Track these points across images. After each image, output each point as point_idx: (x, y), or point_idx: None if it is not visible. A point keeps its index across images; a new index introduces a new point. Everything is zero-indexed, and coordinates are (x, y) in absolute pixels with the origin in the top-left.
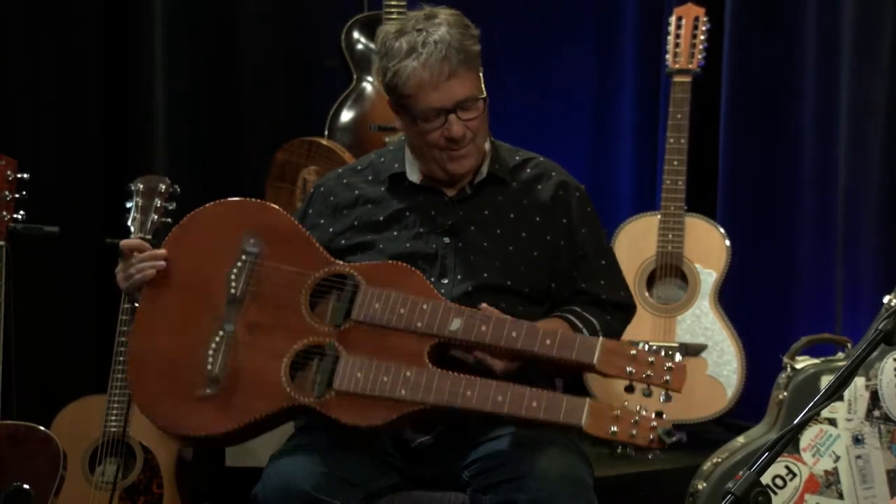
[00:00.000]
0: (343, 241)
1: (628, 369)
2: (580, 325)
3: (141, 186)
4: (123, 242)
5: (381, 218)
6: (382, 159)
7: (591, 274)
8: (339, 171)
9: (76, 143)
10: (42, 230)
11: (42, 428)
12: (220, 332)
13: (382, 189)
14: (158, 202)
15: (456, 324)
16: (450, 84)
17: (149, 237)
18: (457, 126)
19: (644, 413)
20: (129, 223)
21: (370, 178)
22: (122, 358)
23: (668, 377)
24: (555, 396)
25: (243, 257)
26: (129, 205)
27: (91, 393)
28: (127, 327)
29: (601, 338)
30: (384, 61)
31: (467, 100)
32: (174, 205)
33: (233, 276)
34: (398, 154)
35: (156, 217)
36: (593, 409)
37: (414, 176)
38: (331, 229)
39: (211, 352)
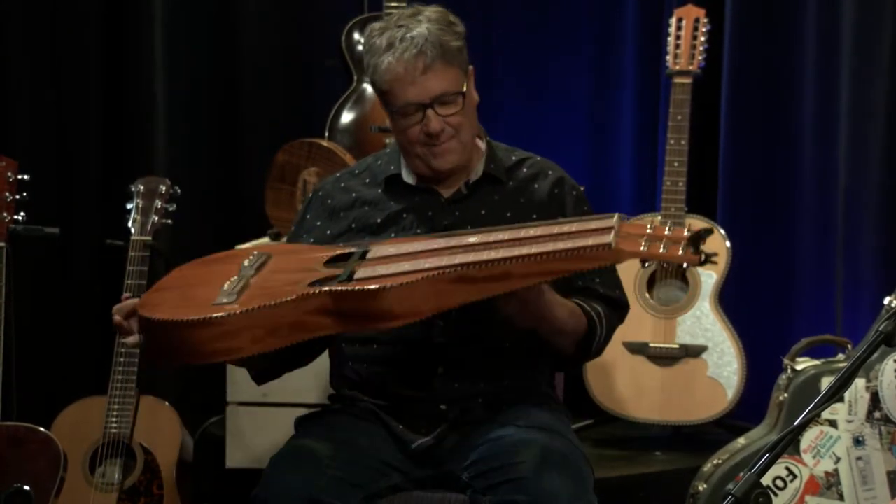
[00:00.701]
0: (340, 244)
1: (642, 248)
2: (588, 309)
3: (141, 188)
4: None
5: (379, 220)
6: (379, 162)
7: (587, 272)
8: (338, 175)
9: (76, 144)
10: (42, 231)
11: (42, 429)
12: (235, 276)
13: (379, 191)
14: (159, 203)
15: (473, 238)
16: (426, 79)
17: (149, 238)
18: (434, 121)
19: (676, 229)
20: (130, 224)
21: (367, 180)
22: (122, 359)
23: (682, 251)
24: (581, 221)
25: (245, 264)
26: (129, 206)
27: (91, 394)
28: None
29: (615, 218)
30: (367, 57)
31: (444, 94)
32: (174, 206)
33: (245, 263)
34: (394, 156)
35: (156, 218)
36: (622, 228)
37: (409, 177)
38: (328, 231)
39: (227, 282)
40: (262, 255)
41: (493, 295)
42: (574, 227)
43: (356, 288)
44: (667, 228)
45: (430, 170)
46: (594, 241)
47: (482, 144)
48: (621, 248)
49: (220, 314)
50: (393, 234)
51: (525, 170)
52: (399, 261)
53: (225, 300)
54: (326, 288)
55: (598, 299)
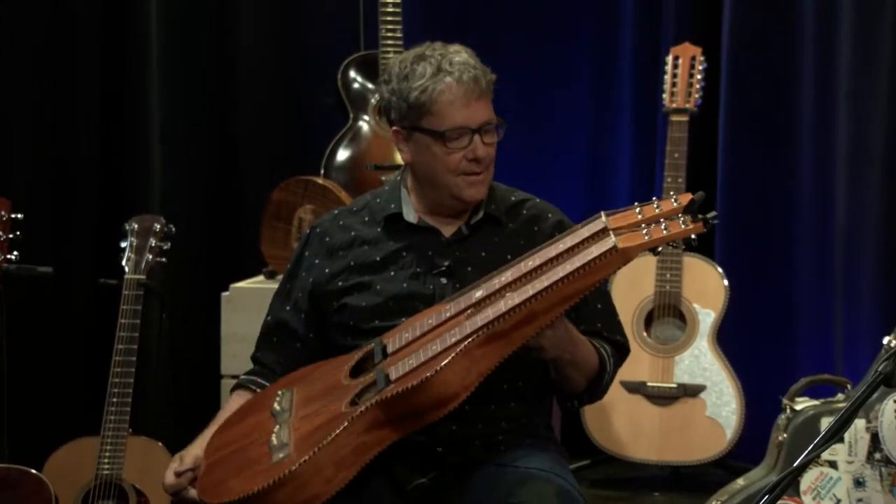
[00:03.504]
0: (339, 283)
1: (645, 236)
2: (597, 345)
3: (136, 226)
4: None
5: (378, 258)
6: (378, 200)
7: (588, 316)
8: (336, 212)
9: (71, 183)
10: (36, 271)
11: (34, 471)
12: (276, 426)
13: (378, 230)
14: (153, 242)
15: (479, 292)
16: (478, 105)
17: (143, 277)
18: (481, 147)
19: (663, 203)
20: (124, 263)
21: (366, 218)
22: (115, 399)
23: (683, 224)
24: (572, 234)
25: (276, 408)
26: (123, 244)
27: (84, 435)
28: (120, 368)
29: (603, 217)
30: (404, 83)
31: (489, 123)
32: (169, 244)
33: (276, 408)
34: (394, 194)
35: (150, 257)
36: (614, 225)
37: (410, 216)
38: (327, 270)
39: (272, 435)
40: (284, 392)
41: (527, 339)
42: (568, 241)
43: (399, 390)
44: (655, 206)
45: (460, 201)
46: (599, 250)
47: None
48: (627, 246)
49: (289, 469)
50: (392, 273)
51: (525, 212)
52: (422, 343)
53: (282, 455)
54: (372, 401)
55: (605, 342)
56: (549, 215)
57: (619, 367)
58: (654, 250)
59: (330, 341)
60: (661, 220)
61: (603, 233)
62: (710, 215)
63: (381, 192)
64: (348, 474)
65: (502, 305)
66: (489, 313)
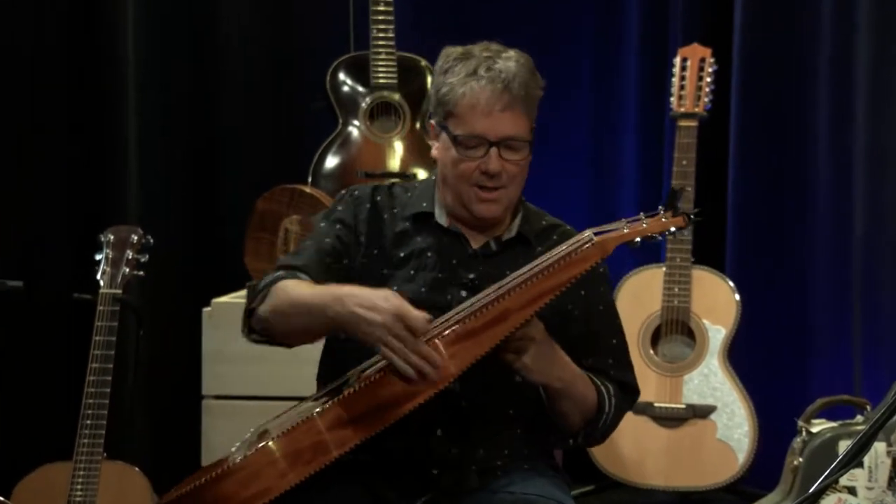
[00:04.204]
0: (359, 260)
1: (625, 230)
2: (598, 382)
3: (111, 237)
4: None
5: (402, 255)
6: (409, 194)
7: (600, 350)
8: (374, 185)
9: (41, 192)
10: (6, 285)
11: (1, 498)
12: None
13: (407, 224)
14: (130, 254)
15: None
16: (502, 116)
17: (119, 292)
18: (495, 161)
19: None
20: (99, 277)
21: (395, 210)
22: (88, 422)
23: (664, 217)
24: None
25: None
26: (98, 257)
27: (55, 459)
28: (94, 389)
29: (588, 234)
30: (441, 77)
31: (513, 139)
32: (147, 257)
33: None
34: (427, 192)
35: (127, 270)
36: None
37: (442, 218)
38: (354, 236)
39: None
40: (259, 426)
41: (501, 340)
42: (554, 252)
43: (361, 385)
44: (643, 224)
45: (470, 214)
46: (576, 244)
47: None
48: (604, 238)
49: (236, 459)
50: (412, 272)
51: (555, 237)
52: None
53: (237, 452)
54: (335, 398)
55: (610, 381)
56: None
57: (625, 411)
58: (631, 242)
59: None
60: (642, 219)
61: (585, 236)
62: (692, 211)
63: (411, 186)
64: (304, 471)
65: (476, 303)
66: (462, 314)
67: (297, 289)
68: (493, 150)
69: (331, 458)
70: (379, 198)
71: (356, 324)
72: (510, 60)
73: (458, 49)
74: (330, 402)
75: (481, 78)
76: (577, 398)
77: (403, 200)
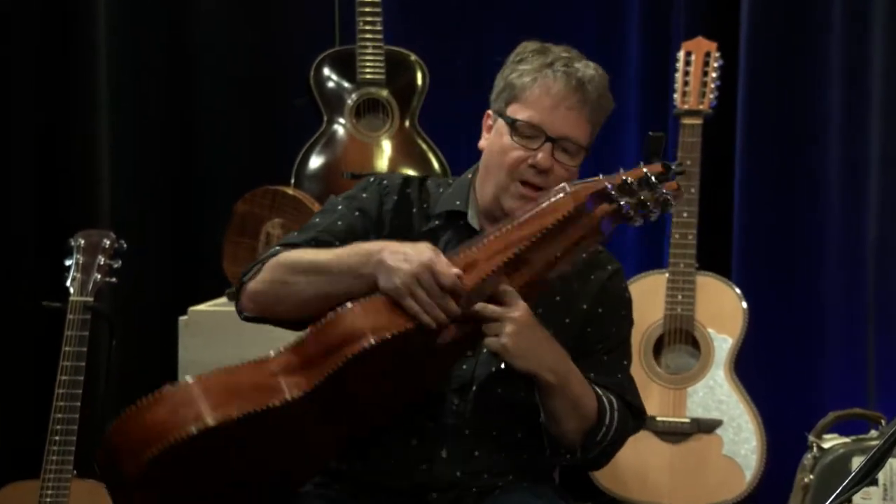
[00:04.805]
0: None
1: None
2: (600, 392)
3: (82, 242)
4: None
5: None
6: (441, 189)
7: (611, 371)
8: (404, 177)
9: (7, 193)
10: None
11: None
12: None
13: (436, 222)
14: (102, 259)
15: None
16: (568, 113)
17: (90, 299)
18: (546, 157)
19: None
20: (69, 284)
21: (426, 205)
22: (57, 437)
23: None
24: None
25: None
26: (68, 263)
27: (22, 478)
28: (64, 402)
29: (562, 185)
30: (513, 66)
31: (572, 141)
32: (120, 262)
33: None
34: (462, 191)
35: (98, 276)
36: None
37: (474, 220)
38: (376, 229)
39: None
40: None
41: (471, 294)
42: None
43: (311, 329)
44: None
45: (498, 206)
46: (551, 194)
47: None
48: (577, 189)
49: (168, 387)
50: None
51: (584, 255)
52: None
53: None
54: (288, 345)
55: (615, 395)
56: (609, 266)
57: (628, 431)
58: (610, 200)
59: None
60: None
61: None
62: (676, 164)
63: (444, 183)
64: (243, 405)
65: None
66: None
67: (307, 254)
68: (548, 146)
69: (277, 402)
70: (409, 190)
71: (383, 271)
72: (590, 67)
73: (537, 44)
74: (282, 348)
75: (557, 70)
76: (573, 399)
77: (436, 196)
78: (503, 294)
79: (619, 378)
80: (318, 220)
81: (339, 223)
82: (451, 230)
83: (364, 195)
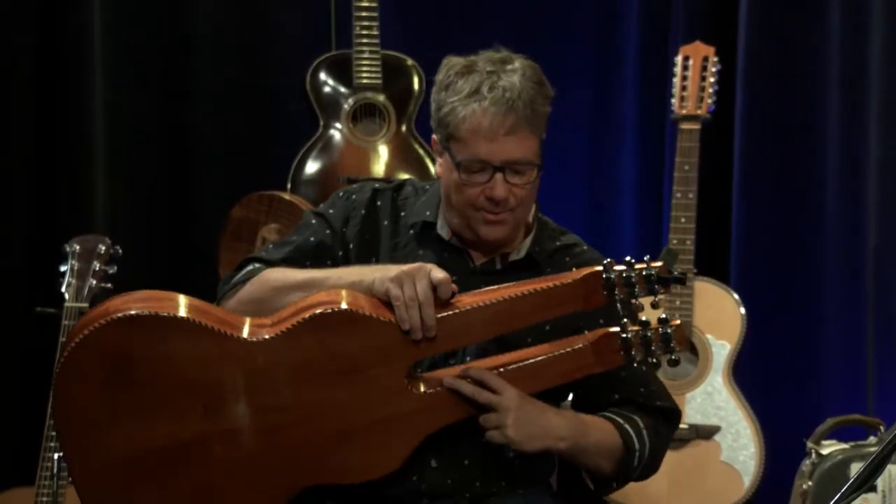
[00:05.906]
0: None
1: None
2: (620, 421)
3: (77, 247)
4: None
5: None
6: (417, 195)
7: (626, 382)
8: (375, 186)
9: (2, 198)
10: None
11: None
12: None
13: (410, 233)
14: (97, 265)
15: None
16: (507, 140)
17: (86, 305)
18: (501, 188)
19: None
20: (64, 289)
21: (402, 214)
22: (52, 444)
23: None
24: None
25: None
26: (63, 268)
27: (16, 486)
28: None
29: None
30: (442, 94)
31: (520, 162)
32: (115, 268)
33: None
34: (432, 201)
35: (94, 282)
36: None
37: (444, 230)
38: (340, 244)
39: None
40: None
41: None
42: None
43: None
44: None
45: (476, 236)
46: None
47: (530, 219)
48: (585, 273)
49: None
50: None
51: (568, 259)
52: None
53: None
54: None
55: (640, 410)
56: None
57: (666, 437)
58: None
59: None
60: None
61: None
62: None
63: (421, 189)
64: (205, 320)
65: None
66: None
67: (298, 274)
68: (499, 176)
69: (237, 335)
70: (379, 202)
71: (380, 273)
72: (515, 74)
73: (461, 61)
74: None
75: (484, 99)
76: (593, 448)
77: (412, 204)
78: (488, 381)
79: (641, 391)
80: (294, 237)
81: (312, 239)
82: (424, 241)
83: (331, 211)
